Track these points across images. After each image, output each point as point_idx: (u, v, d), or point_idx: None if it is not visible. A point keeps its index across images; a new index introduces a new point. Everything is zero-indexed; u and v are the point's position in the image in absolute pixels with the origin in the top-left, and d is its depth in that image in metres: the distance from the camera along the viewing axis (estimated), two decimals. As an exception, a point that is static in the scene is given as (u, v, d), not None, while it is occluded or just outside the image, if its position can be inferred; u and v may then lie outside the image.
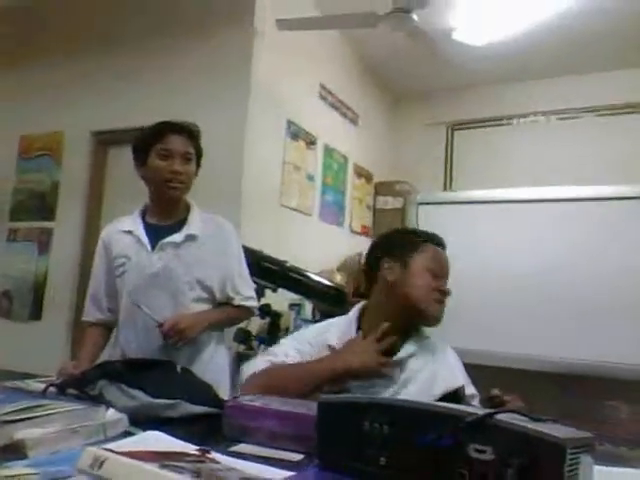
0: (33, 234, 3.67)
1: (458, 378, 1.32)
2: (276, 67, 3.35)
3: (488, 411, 0.73)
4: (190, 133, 1.72)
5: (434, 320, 1.37)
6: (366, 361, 1.23)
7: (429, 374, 1.29)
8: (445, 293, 1.40)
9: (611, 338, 3.30)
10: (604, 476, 0.80)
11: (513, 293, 3.58)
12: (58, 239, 3.59)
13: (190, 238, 1.69)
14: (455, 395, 1.25)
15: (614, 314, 3.34)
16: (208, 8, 3.28)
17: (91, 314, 1.78)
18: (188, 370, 1.37)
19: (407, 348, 1.32)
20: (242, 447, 0.95)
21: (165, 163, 1.65)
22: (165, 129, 1.68)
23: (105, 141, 3.62)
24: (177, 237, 1.68)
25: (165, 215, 1.73)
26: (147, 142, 1.69)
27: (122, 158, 3.57)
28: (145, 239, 1.69)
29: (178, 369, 1.31)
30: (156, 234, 1.70)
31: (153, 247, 1.68)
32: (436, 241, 1.46)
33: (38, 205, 3.70)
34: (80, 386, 1.19)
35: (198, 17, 3.32)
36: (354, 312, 1.42)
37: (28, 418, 0.88)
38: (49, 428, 0.86)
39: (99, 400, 1.14)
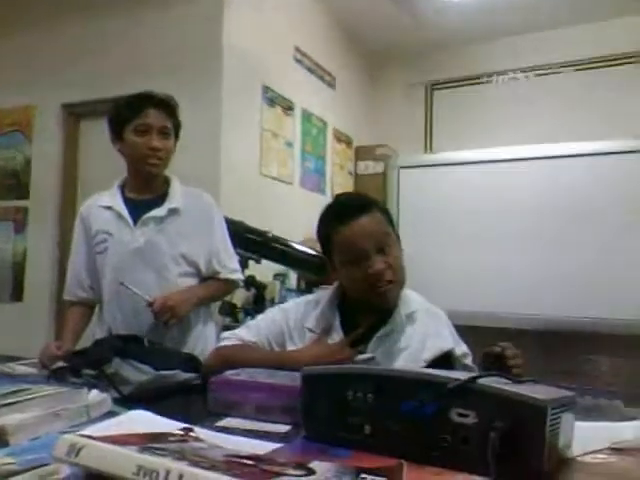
0: (8, 213, 3.60)
1: (446, 341, 1.28)
2: (249, 31, 3.25)
3: (470, 376, 0.73)
4: (168, 107, 1.67)
5: (384, 305, 1.27)
6: (327, 361, 1.13)
7: (416, 343, 1.26)
8: (374, 275, 1.22)
9: (590, 294, 3.37)
10: (585, 431, 0.82)
11: (495, 254, 3.62)
12: (34, 217, 3.52)
13: (173, 212, 1.67)
14: (446, 358, 1.24)
15: (594, 270, 3.40)
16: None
17: (72, 293, 1.75)
18: (154, 342, 1.40)
19: (392, 324, 1.27)
20: (228, 421, 0.95)
21: (143, 139, 1.61)
22: (142, 103, 1.63)
23: (76, 114, 3.52)
24: (160, 211, 1.66)
25: (145, 189, 1.70)
26: (123, 116, 1.64)
27: (95, 130, 3.48)
28: (126, 214, 1.66)
29: (145, 342, 1.34)
30: (137, 209, 1.66)
31: (135, 222, 1.65)
32: (347, 217, 1.25)
33: (11, 183, 3.62)
34: (97, 366, 1.19)
35: (165, -19, 3.20)
36: (333, 292, 1.35)
37: (9, 404, 0.87)
38: (30, 413, 0.85)
39: (114, 378, 1.16)
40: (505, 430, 0.66)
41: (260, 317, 1.40)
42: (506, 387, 0.71)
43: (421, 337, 1.27)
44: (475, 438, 0.68)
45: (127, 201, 1.69)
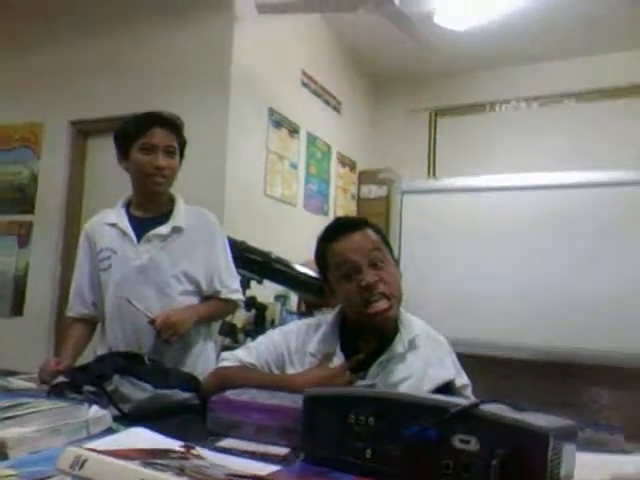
0: (13, 227, 3.61)
1: (448, 371, 1.26)
2: (257, 54, 3.31)
3: (472, 402, 0.73)
4: (173, 126, 1.68)
5: (379, 323, 1.24)
6: (326, 384, 1.12)
7: (418, 372, 1.23)
8: (366, 288, 1.20)
9: (593, 326, 3.35)
10: (586, 462, 0.81)
11: (497, 282, 3.61)
12: (38, 232, 3.53)
13: (176, 230, 1.67)
14: (446, 388, 1.23)
15: (596, 302, 3.38)
16: (187, -6, 3.23)
17: (75, 309, 1.75)
18: (155, 360, 1.40)
19: (393, 350, 1.25)
20: (228, 442, 0.94)
21: (148, 157, 1.62)
22: (148, 122, 1.65)
23: (84, 131, 3.56)
24: (163, 229, 1.67)
25: (149, 208, 1.71)
26: (129, 136, 1.65)
27: (102, 148, 3.52)
28: (130, 231, 1.66)
29: (146, 360, 1.33)
30: (141, 227, 1.67)
31: (139, 239, 1.66)
32: (339, 234, 1.27)
33: (17, 198, 3.64)
34: (97, 383, 1.19)
35: (177, 3, 3.26)
36: (335, 317, 1.33)
37: (9, 417, 0.87)
38: (30, 427, 0.85)
39: (114, 395, 1.16)
40: (507, 457, 0.66)
41: (260, 339, 1.38)
42: (508, 414, 0.70)
43: (422, 365, 1.25)
44: (477, 464, 0.68)
45: (132, 219, 1.70)
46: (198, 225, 1.72)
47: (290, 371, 1.29)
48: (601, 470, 0.83)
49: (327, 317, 1.36)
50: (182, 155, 1.72)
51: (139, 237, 1.66)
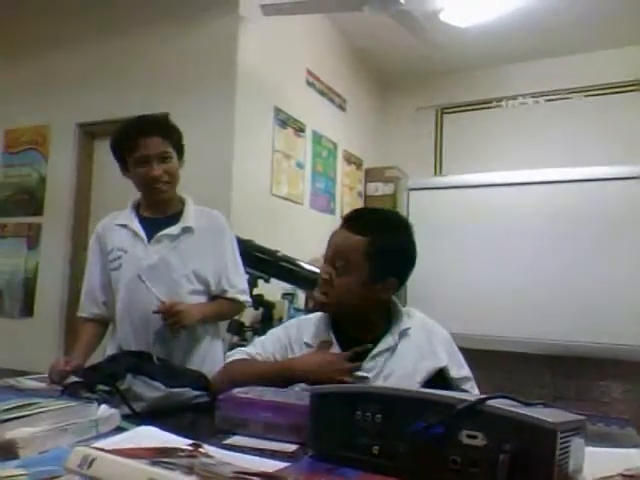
0: (22, 230, 3.64)
1: (439, 359, 1.27)
2: (262, 54, 3.31)
3: (479, 397, 0.73)
4: (162, 130, 1.66)
5: (320, 309, 1.33)
6: (326, 368, 1.20)
7: (410, 364, 1.25)
8: (319, 279, 1.30)
9: (602, 319, 3.33)
10: (596, 456, 0.81)
11: (505, 276, 3.60)
12: (47, 234, 3.56)
13: (186, 230, 1.68)
14: (438, 377, 1.24)
15: (605, 296, 3.37)
16: (192, -5, 3.24)
17: (87, 309, 1.76)
18: (164, 359, 1.41)
19: (384, 343, 1.28)
20: (236, 439, 0.95)
21: (144, 169, 1.63)
22: (134, 135, 1.63)
23: (91, 133, 3.58)
24: (173, 230, 1.68)
25: (158, 210, 1.72)
26: (120, 153, 1.66)
27: (109, 150, 3.53)
28: (141, 232, 1.68)
29: (155, 359, 1.34)
30: (151, 227, 1.68)
31: (149, 240, 1.67)
32: (342, 220, 1.34)
33: (26, 200, 3.66)
34: (111, 382, 1.20)
35: (182, 4, 3.27)
36: None
37: (19, 417, 0.88)
38: (40, 427, 0.86)
39: (127, 394, 1.17)
40: (514, 452, 0.65)
41: (264, 337, 1.43)
42: (515, 409, 0.70)
43: (415, 357, 1.27)
44: (484, 460, 0.68)
45: (142, 220, 1.71)
46: (208, 225, 1.73)
47: None
48: (612, 464, 0.83)
49: (315, 313, 1.40)
50: (182, 153, 1.72)
51: (149, 237, 1.67)
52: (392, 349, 1.27)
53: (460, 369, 1.30)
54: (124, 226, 1.70)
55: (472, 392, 1.27)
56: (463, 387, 1.28)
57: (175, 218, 1.70)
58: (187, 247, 1.67)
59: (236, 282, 1.73)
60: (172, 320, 1.55)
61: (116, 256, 1.68)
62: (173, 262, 1.65)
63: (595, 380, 3.46)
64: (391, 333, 1.29)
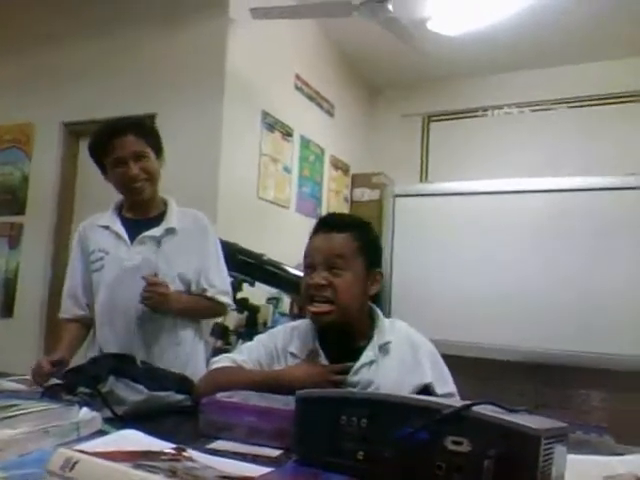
0: (3, 229, 3.58)
1: (424, 375, 1.26)
2: (251, 57, 3.31)
3: (464, 403, 0.74)
4: (136, 129, 1.64)
5: (318, 323, 1.29)
6: (315, 380, 1.18)
7: (394, 378, 1.25)
8: (313, 287, 1.25)
9: (582, 328, 3.37)
10: (576, 464, 0.82)
11: (488, 284, 3.63)
12: (29, 234, 3.51)
13: (169, 232, 1.67)
14: (425, 392, 1.23)
15: (587, 304, 3.41)
16: (181, -4, 3.23)
17: (69, 310, 1.73)
18: (147, 362, 1.42)
19: (365, 356, 1.27)
20: (219, 444, 0.94)
21: (121, 170, 1.62)
22: (107, 138, 1.62)
23: (76, 132, 3.54)
24: (156, 231, 1.66)
25: (141, 211, 1.71)
26: (97, 157, 1.66)
27: (94, 150, 3.51)
28: (124, 234, 1.66)
29: (138, 362, 1.33)
30: (134, 228, 1.67)
31: (132, 241, 1.65)
32: (318, 230, 1.32)
33: (8, 199, 3.61)
34: (92, 384, 1.18)
35: (172, 6, 3.26)
36: None
37: (-2, 419, 0.86)
38: (20, 429, 0.84)
39: (109, 396, 1.16)
40: (499, 458, 0.66)
41: (249, 343, 1.42)
42: (500, 415, 0.71)
43: (398, 371, 1.26)
44: (469, 466, 0.68)
45: (124, 221, 1.70)
46: (191, 227, 1.71)
47: (276, 369, 1.32)
48: (593, 471, 0.84)
49: (301, 322, 1.40)
50: (160, 151, 1.70)
51: (132, 239, 1.66)
52: (373, 363, 1.27)
53: (444, 385, 1.29)
54: (106, 227, 1.68)
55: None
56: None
57: (158, 219, 1.69)
58: (170, 249, 1.66)
59: (216, 282, 1.71)
60: (151, 296, 1.54)
61: (98, 257, 1.66)
62: (156, 263, 1.63)
63: (576, 388, 3.50)
64: (372, 346, 1.29)
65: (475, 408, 0.72)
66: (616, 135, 4.06)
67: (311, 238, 1.32)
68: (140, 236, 1.65)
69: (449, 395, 1.28)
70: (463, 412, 0.71)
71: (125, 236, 1.66)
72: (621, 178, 3.49)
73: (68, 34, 3.51)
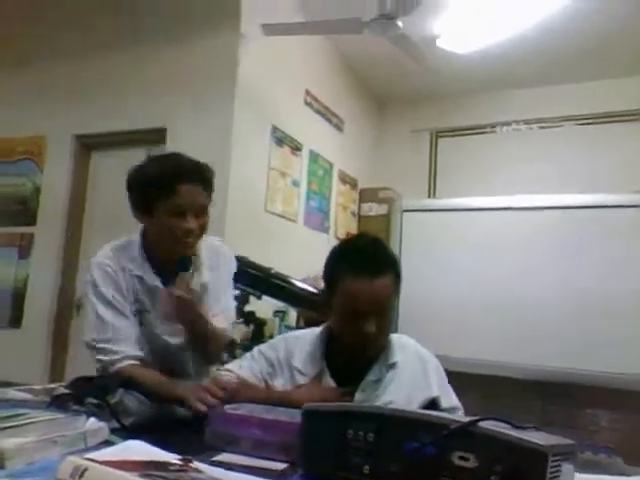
0: (14, 239, 3.61)
1: (431, 389, 1.28)
2: (261, 73, 3.35)
3: (471, 419, 0.73)
4: (205, 181, 1.45)
5: (362, 359, 1.29)
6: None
7: (402, 397, 1.25)
8: (365, 335, 1.23)
9: (590, 346, 3.34)
10: (585, 483, 0.81)
11: (497, 301, 3.61)
12: (39, 245, 3.54)
13: (203, 288, 1.52)
14: (431, 407, 1.24)
15: (594, 322, 3.38)
16: (193, 12, 3.28)
17: (133, 355, 1.42)
18: None
19: (372, 374, 1.29)
20: (225, 456, 0.94)
21: (177, 220, 1.40)
22: (174, 180, 1.39)
23: (88, 145, 3.59)
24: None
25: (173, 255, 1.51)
26: (153, 197, 1.40)
27: (105, 162, 3.55)
28: (159, 286, 1.47)
29: None
30: (166, 274, 1.48)
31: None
32: (362, 271, 1.22)
33: (19, 210, 3.65)
34: (101, 395, 1.18)
35: (183, 21, 3.31)
36: (321, 334, 1.37)
37: (6, 427, 0.87)
38: (28, 438, 0.85)
39: (118, 407, 1.16)
40: (505, 474, 0.66)
41: (249, 354, 1.43)
42: (507, 431, 0.70)
43: (407, 389, 1.27)
44: (475, 482, 0.68)
45: (154, 265, 1.49)
46: (217, 267, 1.58)
47: (279, 380, 1.34)
48: (600, 491, 0.83)
49: (314, 332, 1.39)
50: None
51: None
52: (380, 382, 1.28)
53: (449, 399, 1.30)
54: (139, 277, 1.47)
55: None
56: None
57: (188, 261, 1.51)
58: (203, 306, 1.50)
59: (215, 310, 1.56)
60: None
61: (136, 308, 1.49)
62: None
63: (583, 408, 3.46)
64: (379, 365, 1.30)
65: (482, 424, 0.72)
66: (623, 152, 4.06)
67: (354, 280, 1.22)
68: None
69: (455, 409, 1.29)
70: (470, 427, 0.71)
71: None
72: (628, 196, 3.48)
73: (81, 48, 3.57)
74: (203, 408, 1.12)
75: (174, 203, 1.38)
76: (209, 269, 1.54)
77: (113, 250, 1.50)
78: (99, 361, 1.41)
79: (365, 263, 1.24)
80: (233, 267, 1.65)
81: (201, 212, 1.43)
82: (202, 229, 1.45)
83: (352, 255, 1.29)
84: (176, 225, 1.40)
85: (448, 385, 1.34)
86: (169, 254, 1.48)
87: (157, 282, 1.47)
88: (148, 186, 1.40)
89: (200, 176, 1.43)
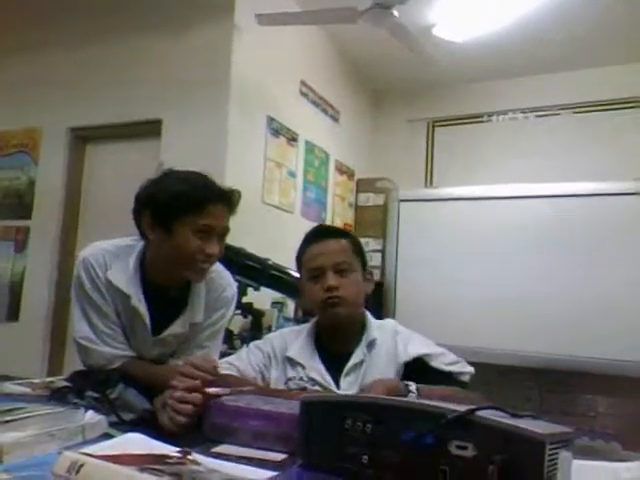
0: (9, 233, 3.60)
1: (398, 358, 1.33)
2: (257, 63, 3.33)
3: (469, 408, 0.73)
4: (232, 205, 1.40)
5: (331, 321, 1.36)
6: None
7: (382, 369, 1.31)
8: (328, 290, 1.32)
9: (587, 333, 3.36)
10: (581, 470, 0.81)
11: (492, 289, 3.62)
12: (35, 238, 3.53)
13: (193, 327, 1.46)
14: (416, 364, 1.30)
15: (593, 309, 3.39)
16: (187, 3, 3.25)
17: (122, 355, 1.40)
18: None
19: (355, 357, 1.34)
20: (224, 448, 0.94)
21: (200, 241, 1.33)
22: (206, 200, 1.33)
23: (83, 137, 3.57)
24: (179, 327, 1.44)
25: (172, 281, 1.43)
26: (179, 212, 1.32)
27: (100, 155, 3.53)
28: (147, 319, 1.40)
29: None
30: (155, 302, 1.42)
31: (153, 330, 1.42)
32: (315, 238, 1.41)
33: (14, 203, 3.64)
34: (101, 389, 1.18)
35: (177, 12, 3.28)
36: (313, 324, 1.45)
37: (4, 421, 0.86)
38: (26, 432, 0.85)
39: (118, 401, 1.15)
40: (503, 464, 0.66)
41: (246, 348, 1.47)
42: (505, 420, 0.71)
43: (382, 367, 1.32)
44: (473, 471, 0.68)
45: (147, 288, 1.42)
46: (213, 316, 1.50)
47: (273, 372, 1.39)
48: (598, 477, 0.83)
49: (308, 324, 1.47)
50: None
51: (153, 328, 1.41)
52: (363, 362, 1.34)
53: (445, 356, 1.34)
54: (125, 295, 1.39)
55: (464, 371, 1.33)
56: (450, 369, 1.31)
57: (183, 292, 1.44)
58: (194, 342, 1.48)
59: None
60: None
61: (119, 323, 1.43)
62: (172, 348, 1.48)
63: (581, 394, 3.48)
64: (360, 346, 1.36)
65: (480, 413, 0.72)
66: (622, 141, 4.05)
67: (307, 247, 1.39)
68: (163, 334, 1.42)
69: (457, 362, 1.34)
70: (468, 417, 0.71)
71: (148, 321, 1.39)
72: (627, 183, 3.48)
73: (75, 40, 3.55)
74: (173, 429, 1.00)
75: (203, 222, 1.32)
76: (205, 307, 1.45)
77: (105, 256, 1.41)
78: (89, 365, 1.39)
79: (316, 231, 1.45)
80: (230, 312, 1.56)
81: (222, 236, 1.39)
82: (218, 255, 1.39)
83: (308, 235, 1.44)
84: (199, 245, 1.33)
85: (436, 347, 1.36)
86: (172, 277, 1.40)
87: (142, 308, 1.38)
88: (175, 200, 1.32)
89: (229, 199, 1.38)
